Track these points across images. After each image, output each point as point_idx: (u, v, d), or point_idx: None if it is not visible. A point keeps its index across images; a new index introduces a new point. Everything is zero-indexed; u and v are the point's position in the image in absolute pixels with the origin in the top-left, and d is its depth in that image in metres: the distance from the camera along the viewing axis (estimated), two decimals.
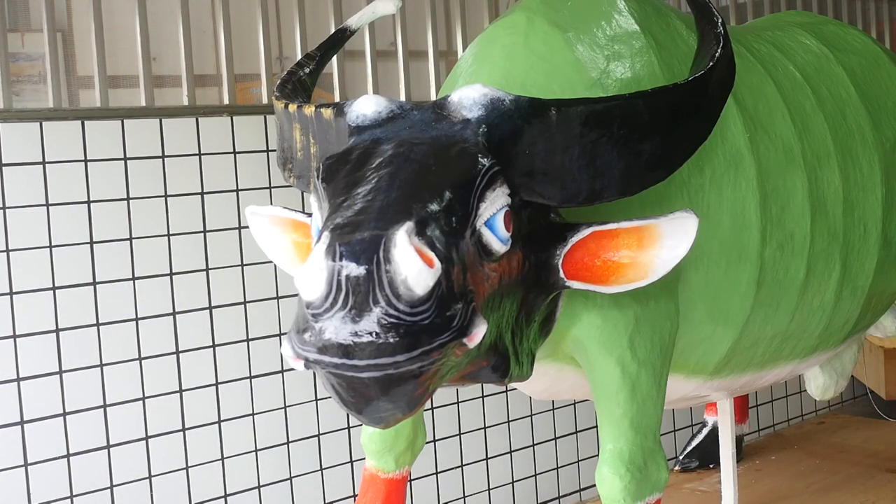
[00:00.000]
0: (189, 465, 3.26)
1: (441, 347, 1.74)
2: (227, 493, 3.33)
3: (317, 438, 3.52)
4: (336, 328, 1.71)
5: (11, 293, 2.97)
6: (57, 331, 3.04)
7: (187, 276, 3.27)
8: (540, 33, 2.49)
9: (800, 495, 3.92)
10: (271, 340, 3.43)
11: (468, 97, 2.02)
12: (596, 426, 2.90)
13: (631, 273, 2.10)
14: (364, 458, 2.77)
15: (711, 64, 2.22)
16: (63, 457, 3.05)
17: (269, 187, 3.44)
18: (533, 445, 4.04)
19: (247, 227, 2.62)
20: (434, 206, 1.85)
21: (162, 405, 3.22)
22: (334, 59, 3.56)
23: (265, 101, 3.64)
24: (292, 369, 2.67)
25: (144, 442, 3.19)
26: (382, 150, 1.98)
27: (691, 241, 2.07)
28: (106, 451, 3.12)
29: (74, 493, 3.07)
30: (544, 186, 2.04)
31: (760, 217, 2.60)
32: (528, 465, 4.02)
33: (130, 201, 3.18)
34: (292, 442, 3.47)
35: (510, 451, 3.97)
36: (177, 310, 3.25)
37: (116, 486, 3.13)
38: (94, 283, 3.11)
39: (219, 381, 3.33)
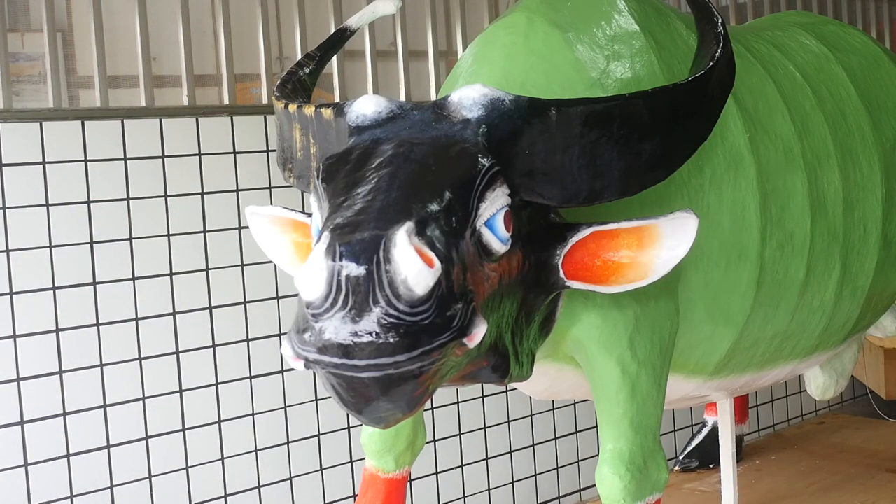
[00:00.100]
0: (189, 465, 3.26)
1: (441, 347, 1.74)
2: (227, 493, 3.33)
3: (317, 438, 3.52)
4: (336, 328, 1.71)
5: (11, 293, 2.97)
6: (57, 331, 3.05)
7: (187, 276, 3.27)
8: (540, 33, 2.49)
9: (800, 495, 3.92)
10: (271, 340, 3.43)
11: (468, 97, 2.02)
12: (596, 426, 2.90)
13: (631, 273, 2.10)
14: (364, 458, 2.77)
15: (711, 64, 2.22)
16: (63, 457, 3.05)
17: (269, 187, 3.44)
18: (533, 445, 4.04)
19: (247, 227, 2.62)
20: (434, 206, 1.85)
21: (162, 405, 3.22)
22: (334, 59, 3.56)
23: (265, 101, 3.64)
24: (292, 369, 2.67)
25: (144, 442, 3.19)
26: (382, 150, 1.98)
27: (691, 241, 2.07)
28: (106, 451, 3.12)
29: (74, 493, 3.07)
30: (544, 186, 2.04)
31: (760, 217, 2.60)
32: (528, 465, 4.02)
33: (130, 201, 3.18)
34: (292, 442, 3.47)
35: (510, 451, 3.97)
36: (177, 310, 3.25)
37: (116, 486, 3.13)
38: (94, 283, 3.11)
39: (219, 381, 3.33)
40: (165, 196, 3.24)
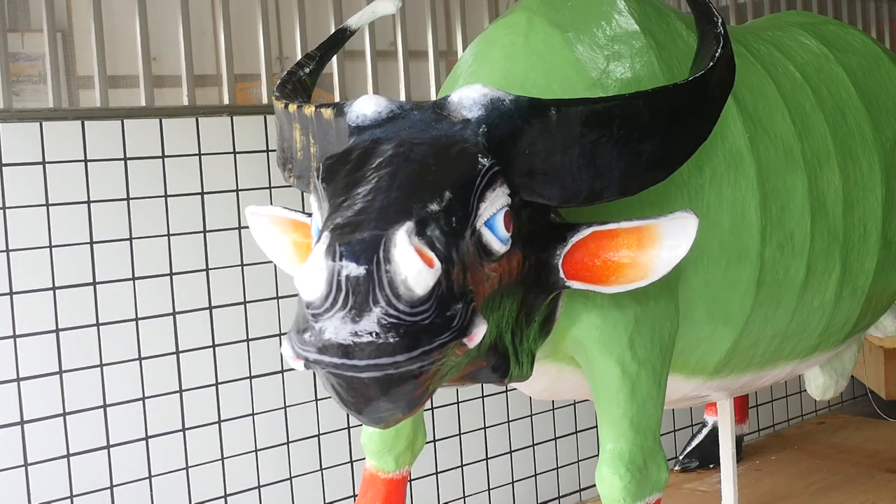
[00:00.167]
0: (189, 465, 3.26)
1: (441, 347, 1.74)
2: (227, 493, 3.33)
3: (317, 438, 3.52)
4: (336, 328, 1.71)
5: (11, 293, 2.97)
6: (57, 331, 3.05)
7: (187, 276, 3.27)
8: (540, 33, 2.49)
9: (800, 495, 3.92)
10: (271, 340, 3.43)
11: (468, 97, 2.02)
12: (596, 426, 2.90)
13: (631, 273, 2.10)
14: (364, 458, 2.77)
15: (711, 64, 2.22)
16: (63, 457, 3.05)
17: (269, 187, 3.44)
18: (533, 445, 4.04)
19: (247, 227, 2.62)
20: (434, 206, 1.85)
21: (162, 405, 3.22)
22: (334, 59, 3.56)
23: (265, 101, 3.64)
24: (292, 369, 2.67)
25: (144, 442, 3.19)
26: (382, 150, 1.98)
27: (691, 241, 2.07)
28: (106, 451, 3.12)
29: (74, 493, 3.07)
30: (544, 186, 2.04)
31: (760, 217, 2.60)
32: (528, 465, 4.02)
33: (130, 201, 3.18)
34: (292, 442, 3.47)
35: (510, 451, 3.97)
36: (177, 310, 3.25)
37: (116, 486, 3.13)
38: (94, 283, 3.11)
39: (219, 381, 3.33)
40: (165, 196, 3.24)
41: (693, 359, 2.66)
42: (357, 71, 3.98)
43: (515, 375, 2.12)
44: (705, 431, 4.18)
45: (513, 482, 3.97)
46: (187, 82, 3.40)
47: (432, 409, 3.73)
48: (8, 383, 2.98)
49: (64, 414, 3.05)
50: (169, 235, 3.24)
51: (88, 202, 3.11)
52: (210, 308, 3.32)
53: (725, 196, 2.54)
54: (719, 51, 2.25)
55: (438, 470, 3.76)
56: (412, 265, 1.71)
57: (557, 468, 4.10)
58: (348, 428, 3.57)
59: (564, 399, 4.02)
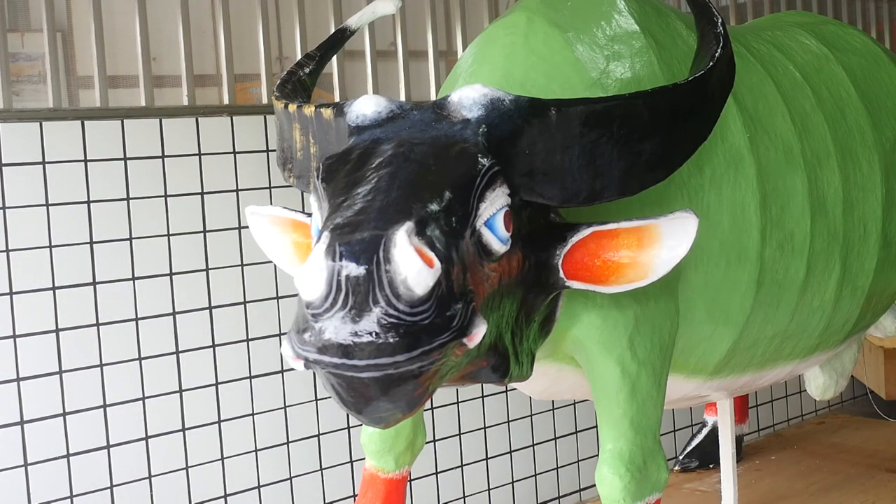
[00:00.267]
0: (189, 465, 3.26)
1: (441, 347, 1.74)
2: (227, 493, 3.33)
3: (317, 438, 3.52)
4: (336, 328, 1.71)
5: (11, 293, 2.97)
6: (57, 331, 3.05)
7: (187, 276, 3.27)
8: (540, 33, 2.49)
9: (800, 495, 3.92)
10: (271, 340, 3.43)
11: (468, 97, 2.02)
12: (596, 426, 2.90)
13: (631, 273, 2.10)
14: (364, 458, 2.77)
15: (711, 64, 2.22)
16: (63, 457, 3.05)
17: (269, 187, 3.44)
18: (533, 445, 4.04)
19: (247, 227, 2.62)
20: (434, 206, 1.85)
21: (162, 405, 3.22)
22: (334, 59, 3.56)
23: (265, 101, 3.64)
24: (292, 369, 2.67)
25: (144, 442, 3.19)
26: (382, 150, 1.98)
27: (691, 241, 2.07)
28: (106, 451, 3.12)
29: (74, 493, 3.07)
30: (544, 186, 2.04)
31: (760, 217, 2.60)
32: (528, 465, 4.02)
33: (130, 201, 3.18)
34: (292, 442, 3.47)
35: (510, 451, 3.97)
36: (177, 310, 3.25)
37: (116, 486, 3.13)
38: (94, 283, 3.11)
39: (219, 381, 3.33)
40: (165, 196, 3.24)
41: (693, 359, 2.66)
42: (357, 71, 3.98)
43: (515, 375, 2.12)
44: (705, 431, 4.18)
45: (513, 482, 3.97)
46: (187, 82, 3.40)
47: (432, 409, 3.73)
48: (8, 383, 2.98)
49: (64, 414, 3.05)
50: (169, 235, 3.24)
51: (88, 202, 3.11)
52: (210, 308, 3.32)
53: (725, 196, 2.54)
54: (719, 51, 2.25)
55: (438, 470, 3.76)
56: (412, 265, 1.71)
57: (557, 468, 4.10)
58: (348, 428, 3.57)
59: (564, 399, 4.02)
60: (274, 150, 3.39)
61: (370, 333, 1.70)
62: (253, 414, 3.39)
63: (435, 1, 3.98)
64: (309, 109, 2.22)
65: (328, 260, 1.73)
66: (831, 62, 3.11)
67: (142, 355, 3.19)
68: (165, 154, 3.26)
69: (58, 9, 3.44)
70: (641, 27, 2.55)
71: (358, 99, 2.11)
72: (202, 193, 3.32)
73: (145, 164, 3.21)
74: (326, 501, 3.53)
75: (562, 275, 2.11)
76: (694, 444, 4.20)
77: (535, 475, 4.04)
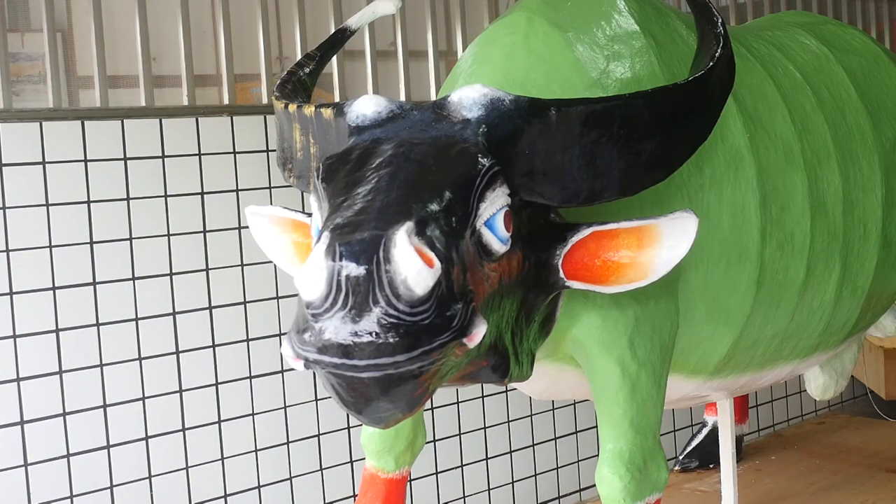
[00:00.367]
0: (189, 465, 3.26)
1: (441, 347, 1.74)
2: (227, 493, 3.33)
3: (317, 438, 3.52)
4: (336, 328, 1.71)
5: (11, 293, 2.97)
6: (57, 331, 3.05)
7: (187, 276, 3.27)
8: (540, 33, 2.49)
9: (800, 495, 3.92)
10: (271, 340, 3.43)
11: (468, 97, 2.02)
12: (596, 426, 2.90)
13: (631, 273, 2.10)
14: (364, 458, 2.77)
15: (711, 64, 2.22)
16: (63, 457, 3.05)
17: (269, 187, 3.44)
18: (533, 445, 4.04)
19: (247, 227, 2.62)
20: (434, 206, 1.85)
21: (162, 405, 3.22)
22: (334, 59, 3.56)
23: (265, 101, 3.64)
24: (292, 369, 2.67)
25: (144, 442, 3.19)
26: (382, 150, 1.98)
27: (691, 241, 2.07)
28: (106, 451, 3.12)
29: (74, 493, 3.07)
30: (544, 186, 2.04)
31: (760, 217, 2.60)
32: (528, 465, 4.02)
33: (130, 201, 3.18)
34: (292, 442, 3.47)
35: (510, 451, 3.97)
36: (177, 310, 3.25)
37: (116, 486, 3.13)
38: (94, 283, 3.11)
39: (219, 381, 3.33)
40: (165, 196, 3.24)
41: (693, 359, 2.66)
42: (357, 71, 3.98)
43: (515, 375, 2.12)
44: (705, 431, 4.18)
45: (513, 482, 3.97)
46: (187, 82, 3.40)
47: (432, 409, 3.73)
48: (8, 383, 2.98)
49: (64, 414, 3.05)
50: (169, 235, 3.24)
51: (88, 202, 3.11)
52: (210, 308, 3.32)
53: (725, 196, 2.54)
54: (719, 51, 2.25)
55: (438, 470, 3.76)
56: (412, 265, 1.71)
57: (557, 468, 4.10)
58: (348, 428, 3.57)
59: (564, 399, 4.02)
60: (274, 150, 3.39)
61: (370, 333, 1.70)
62: (253, 414, 3.39)
63: (435, 1, 3.98)
64: (309, 109, 2.22)
65: (328, 260, 1.73)
66: (831, 62, 3.11)
67: (142, 355, 3.19)
68: (165, 154, 3.26)
69: (58, 9, 3.44)
70: (641, 27, 2.55)
71: (358, 99, 2.11)
72: (202, 193, 3.32)
73: (145, 164, 3.21)
74: (326, 501, 3.53)
75: (562, 275, 2.11)
76: (694, 444, 4.20)
77: (535, 475, 4.04)
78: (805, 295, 2.80)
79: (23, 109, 3.15)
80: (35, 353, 3.01)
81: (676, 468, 4.15)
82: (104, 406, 3.12)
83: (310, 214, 2.17)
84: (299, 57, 2.98)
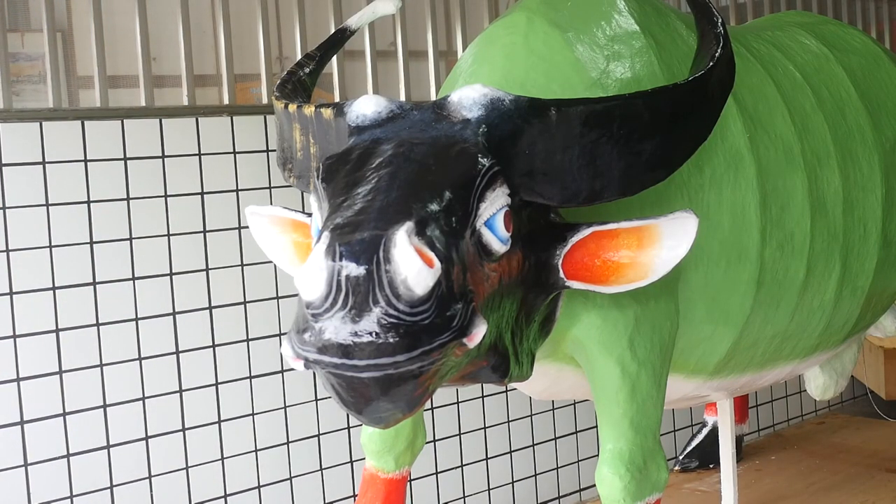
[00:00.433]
0: (189, 465, 3.26)
1: (441, 347, 1.74)
2: (227, 493, 3.33)
3: (317, 438, 3.52)
4: (336, 328, 1.71)
5: (11, 293, 2.97)
6: (57, 331, 3.05)
7: (187, 276, 3.27)
8: (540, 33, 2.49)
9: (800, 495, 3.92)
10: (271, 340, 3.43)
11: (468, 97, 2.02)
12: (596, 426, 2.90)
13: (631, 273, 2.10)
14: (364, 458, 2.77)
15: (711, 64, 2.22)
16: (63, 457, 3.05)
17: (269, 187, 3.44)
18: (533, 445, 4.04)
19: (247, 227, 2.62)
20: (434, 206, 1.85)
21: (162, 405, 3.22)
22: (334, 59, 3.56)
23: (265, 101, 3.64)
24: (292, 369, 2.67)
25: (144, 442, 3.19)
26: (382, 150, 1.98)
27: (691, 241, 2.07)
28: (106, 451, 3.12)
29: (74, 493, 3.07)
30: (544, 186, 2.04)
31: (760, 217, 2.60)
32: (528, 465, 4.02)
33: (130, 201, 3.18)
34: (292, 442, 3.47)
35: (510, 451, 3.97)
36: (177, 310, 3.25)
37: (116, 486, 3.13)
38: (94, 283, 3.11)
39: (219, 381, 3.33)
40: (165, 196, 3.24)
41: (693, 359, 2.66)
42: (357, 71, 3.98)
43: (515, 375, 2.12)
44: (705, 431, 4.18)
45: (513, 482, 3.97)
46: (187, 82, 3.40)
47: (432, 409, 3.73)
48: (8, 383, 2.98)
49: (64, 414, 3.05)
50: (169, 235, 3.24)
51: (88, 202, 3.11)
52: (210, 308, 3.32)
53: (725, 196, 2.54)
54: (719, 51, 2.25)
55: (438, 470, 3.76)
56: (412, 265, 1.71)
57: (557, 468, 4.10)
58: (348, 428, 3.57)
59: (564, 399, 4.02)
60: (274, 150, 3.39)
61: (370, 333, 1.70)
62: (253, 414, 3.39)
63: (435, 1, 3.98)
64: (309, 109, 2.22)
65: (328, 260, 1.73)
66: (831, 62, 3.11)
67: (142, 355, 3.19)
68: (165, 154, 3.26)
69: (58, 9, 3.44)
70: (641, 27, 2.55)
71: (358, 99, 2.11)
72: (202, 193, 3.32)
73: (145, 164, 3.21)
74: (326, 501, 3.53)
75: (562, 275, 2.11)
76: (694, 444, 4.20)
77: (535, 475, 4.04)
78: (805, 295, 2.80)
79: (23, 109, 3.15)
80: (35, 353, 3.01)
81: (676, 468, 4.15)
82: (104, 406, 3.12)
83: (310, 214, 2.17)
84: (299, 57, 2.98)
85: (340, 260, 1.72)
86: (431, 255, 1.77)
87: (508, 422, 3.96)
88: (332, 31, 3.27)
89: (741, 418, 4.18)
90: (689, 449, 4.20)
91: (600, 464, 2.44)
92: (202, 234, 3.31)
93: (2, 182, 2.98)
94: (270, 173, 3.44)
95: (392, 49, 3.93)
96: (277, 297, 3.44)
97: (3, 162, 2.98)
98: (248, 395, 3.38)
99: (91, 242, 3.10)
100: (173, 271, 3.25)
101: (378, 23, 3.27)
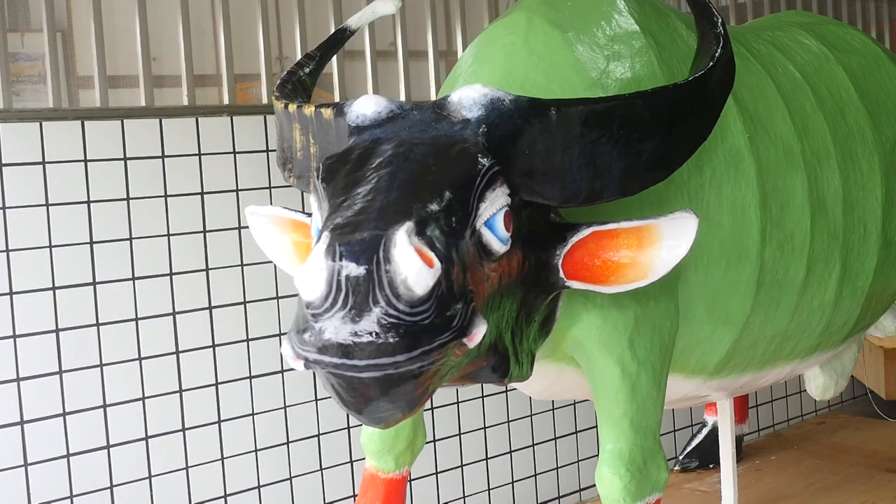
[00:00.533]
0: (189, 465, 3.26)
1: (441, 347, 1.74)
2: (227, 493, 3.33)
3: (317, 438, 3.52)
4: (336, 328, 1.71)
5: (11, 293, 2.97)
6: (57, 331, 3.05)
7: (187, 276, 3.27)
8: (540, 33, 2.49)
9: (800, 495, 3.92)
10: (271, 340, 3.43)
11: (468, 97, 2.02)
12: (596, 426, 2.90)
13: (631, 273, 2.10)
14: (364, 458, 2.77)
15: (711, 64, 2.22)
16: (63, 457, 3.05)
17: (269, 187, 3.44)
18: (533, 445, 4.04)
19: (247, 227, 2.62)
20: (434, 206, 1.85)
21: (162, 405, 3.22)
22: (334, 59, 3.56)
23: (265, 101, 3.64)
24: (292, 369, 2.67)
25: (144, 442, 3.19)
26: (382, 150, 1.98)
27: (691, 241, 2.07)
28: (106, 451, 3.12)
29: (74, 493, 3.07)
30: (544, 186, 2.04)
31: (760, 217, 2.60)
32: (528, 465, 4.02)
33: (130, 201, 3.18)
34: (292, 442, 3.47)
35: (510, 451, 3.97)
36: (177, 310, 3.25)
37: (116, 486, 3.14)
38: (94, 283, 3.11)
39: (219, 381, 3.33)
40: (165, 196, 3.24)
41: (693, 359, 2.66)
42: (357, 71, 3.98)
43: (515, 375, 2.12)
44: (705, 431, 4.18)
45: (513, 482, 3.97)
46: (187, 82, 3.40)
47: (432, 409, 3.73)
48: (8, 383, 2.98)
49: (64, 414, 3.05)
50: (169, 235, 3.24)
51: (88, 202, 3.11)
52: (210, 308, 3.32)
53: (725, 196, 2.54)
54: (719, 51, 2.25)
55: (438, 470, 3.76)
56: (412, 265, 1.71)
57: (557, 468, 4.10)
58: (348, 428, 3.57)
59: (564, 399, 4.02)
60: (274, 150, 3.39)
61: (370, 333, 1.70)
62: (253, 414, 3.39)
63: (435, 1, 3.98)
64: (309, 109, 2.22)
65: (328, 260, 1.73)
66: (831, 62, 3.11)
67: (142, 355, 3.19)
68: (165, 154, 3.26)
69: (58, 9, 3.44)
70: (641, 27, 2.55)
71: (358, 99, 2.11)
72: (202, 193, 3.32)
73: (145, 164, 3.21)
74: (326, 501, 3.53)
75: (562, 275, 2.11)
76: (694, 444, 4.20)
77: (535, 475, 4.04)
78: (805, 295, 2.80)
79: (23, 109, 3.15)
80: (35, 353, 3.01)
81: (676, 468, 4.15)
82: (104, 406, 3.12)
83: (310, 214, 2.17)
84: (299, 57, 2.98)
85: (340, 260, 1.72)
86: (431, 255, 1.77)
87: (508, 422, 3.96)
88: (332, 31, 3.27)
89: (741, 418, 4.18)
90: (689, 449, 4.20)
91: (600, 464, 2.44)
92: (202, 234, 3.31)
93: (2, 182, 2.98)
94: (270, 173, 3.44)
95: (392, 49, 3.93)
96: (277, 297, 3.44)
97: (3, 162, 2.98)
98: (248, 395, 3.38)
99: (91, 242, 3.10)
100: (173, 271, 3.25)
101: (378, 23, 3.27)
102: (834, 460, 4.28)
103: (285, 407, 3.46)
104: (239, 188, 3.39)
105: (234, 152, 3.40)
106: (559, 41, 2.48)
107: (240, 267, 3.37)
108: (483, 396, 3.89)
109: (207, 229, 3.31)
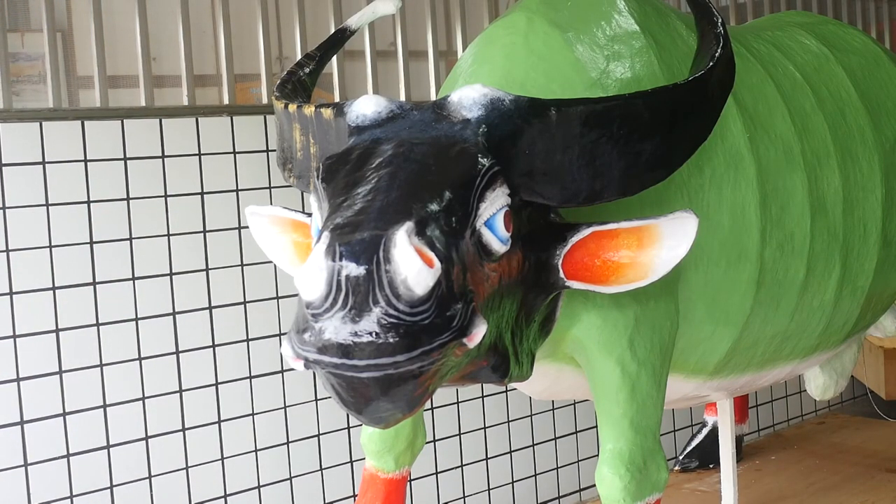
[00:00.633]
0: (189, 465, 3.26)
1: (441, 347, 1.74)
2: (227, 493, 3.33)
3: (317, 438, 3.52)
4: (336, 328, 1.71)
5: (11, 293, 2.97)
6: (57, 331, 3.05)
7: (187, 276, 3.27)
8: (540, 33, 2.49)
9: (800, 495, 3.92)
10: (271, 340, 3.43)
11: (468, 97, 2.02)
12: (596, 426, 2.90)
13: (631, 273, 2.10)
14: (364, 458, 2.77)
15: (711, 64, 2.22)
16: (63, 457, 3.05)
17: (269, 187, 3.45)
18: (533, 445, 4.04)
19: (247, 227, 2.62)
20: (434, 206, 1.85)
21: (162, 405, 3.22)
22: (334, 59, 3.56)
23: (265, 101, 3.64)
24: (292, 369, 2.67)
25: (144, 442, 3.19)
26: (382, 150, 1.98)
27: (691, 241, 2.07)
28: (106, 451, 3.13)
29: (74, 493, 3.07)
30: (544, 186, 2.04)
31: (760, 217, 2.60)
32: (527, 465, 4.02)
33: (130, 201, 3.18)
34: (292, 442, 3.47)
35: (510, 451, 3.97)
36: (177, 310, 3.25)
37: (116, 486, 3.14)
38: (94, 283, 3.11)
39: (219, 381, 3.33)
40: (165, 196, 3.24)
41: (693, 359, 2.66)
42: (357, 71, 3.98)
43: (515, 375, 2.12)
44: (705, 431, 4.18)
45: (513, 482, 3.97)
46: (187, 82, 3.40)
47: (432, 409, 3.73)
48: (8, 383, 2.98)
49: (64, 414, 3.05)
50: (169, 235, 3.24)
51: (88, 202, 3.11)
52: (210, 308, 3.32)
53: (725, 196, 2.54)
54: (719, 51, 2.25)
55: (438, 470, 3.76)
56: (412, 265, 1.71)
57: (557, 468, 4.10)
58: (348, 428, 3.57)
59: (564, 399, 4.02)
60: (274, 150, 3.39)
61: (370, 333, 1.70)
62: (253, 414, 3.39)
63: (435, 1, 3.98)
64: (309, 109, 2.22)
65: (328, 260, 1.73)
66: (831, 62, 3.11)
67: (142, 355, 3.19)
68: (165, 154, 3.26)
69: (58, 9, 3.44)
70: (641, 27, 2.55)
71: (358, 99, 2.11)
72: (202, 193, 3.32)
73: (145, 164, 3.21)
74: (326, 501, 3.53)
75: (562, 275, 2.11)
76: (694, 444, 4.20)
77: (535, 475, 4.04)
78: (805, 295, 2.80)
79: (23, 109, 3.15)
80: (35, 353, 3.01)
81: (676, 468, 4.15)
82: (104, 406, 3.12)
83: (310, 214, 2.17)
84: (299, 57, 2.98)
85: (340, 260, 1.72)
86: (431, 255, 1.77)
87: (508, 422, 3.96)
88: (332, 31, 3.27)
89: (741, 418, 4.18)
90: (689, 449, 4.20)
91: (600, 464, 2.44)
92: (202, 234, 3.31)
93: (2, 182, 2.98)
94: (270, 173, 3.44)
95: (392, 49, 3.93)
96: (277, 297, 3.44)
97: (3, 162, 2.98)
98: (248, 395, 3.38)
99: (91, 242, 3.10)
100: (173, 271, 3.25)
101: (378, 23, 3.27)
102: (834, 460, 4.28)
103: (285, 407, 3.46)
104: (239, 188, 3.39)
105: (234, 152, 3.40)
106: (559, 41, 2.48)
107: (240, 267, 3.37)
108: (483, 396, 3.89)
109: (207, 229, 3.31)
